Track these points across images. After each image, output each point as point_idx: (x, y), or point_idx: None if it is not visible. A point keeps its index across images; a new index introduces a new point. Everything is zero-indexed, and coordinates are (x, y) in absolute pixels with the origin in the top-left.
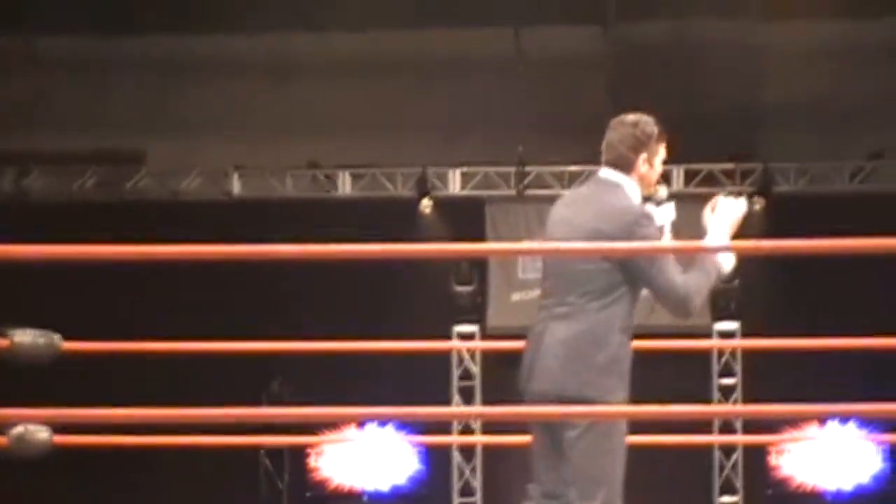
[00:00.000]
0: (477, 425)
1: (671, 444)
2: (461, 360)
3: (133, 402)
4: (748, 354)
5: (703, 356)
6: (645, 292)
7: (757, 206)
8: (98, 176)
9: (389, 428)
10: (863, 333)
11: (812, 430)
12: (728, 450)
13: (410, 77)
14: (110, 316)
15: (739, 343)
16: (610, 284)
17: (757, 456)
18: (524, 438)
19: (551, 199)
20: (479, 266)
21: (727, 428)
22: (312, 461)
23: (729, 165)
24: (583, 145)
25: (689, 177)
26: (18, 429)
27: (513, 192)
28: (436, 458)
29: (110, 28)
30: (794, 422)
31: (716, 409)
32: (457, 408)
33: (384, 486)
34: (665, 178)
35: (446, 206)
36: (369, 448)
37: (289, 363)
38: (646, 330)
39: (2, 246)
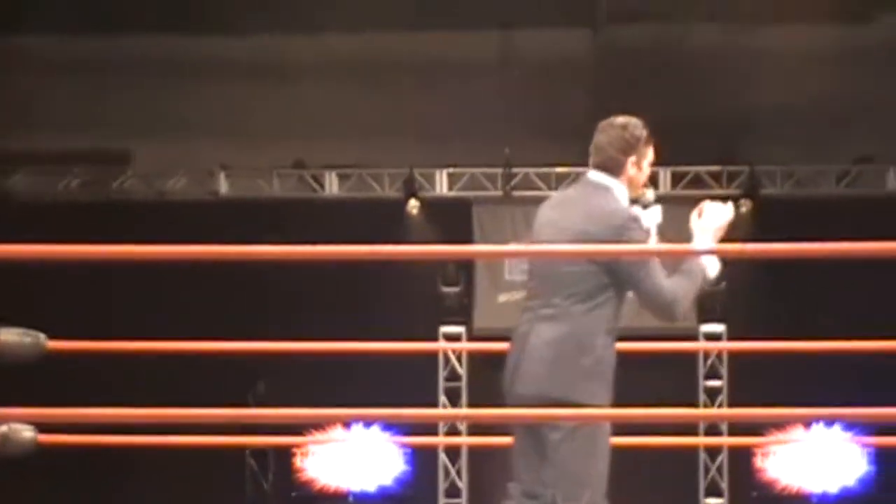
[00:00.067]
0: (463, 426)
1: (656, 446)
2: (448, 361)
3: (118, 402)
4: (734, 357)
5: (689, 358)
6: (630, 295)
7: (743, 209)
8: (84, 176)
9: (375, 429)
10: (850, 336)
11: (798, 432)
12: (713, 452)
13: (397, 79)
14: (96, 315)
15: (725, 345)
16: (596, 287)
17: (742, 458)
18: (509, 440)
19: (538, 201)
20: (465, 267)
21: (713, 430)
22: (298, 462)
23: (716, 168)
24: (570, 147)
25: (677, 179)
26: (3, 428)
27: (500, 193)
28: (422, 459)
29: (97, 29)
30: (780, 424)
31: (702, 412)
32: (443, 409)
33: (370, 487)
34: (652, 181)
35: (433, 206)
36: (355, 449)
37: (275, 363)
38: (632, 332)
39: None
